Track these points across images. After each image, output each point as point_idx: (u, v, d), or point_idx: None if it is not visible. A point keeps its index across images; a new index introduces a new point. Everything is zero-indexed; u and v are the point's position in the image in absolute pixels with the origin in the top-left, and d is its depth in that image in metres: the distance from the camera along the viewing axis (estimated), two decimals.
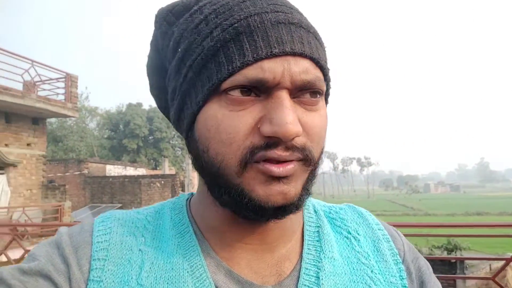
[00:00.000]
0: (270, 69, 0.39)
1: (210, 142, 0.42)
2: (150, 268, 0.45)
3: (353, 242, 0.53)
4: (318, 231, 0.53)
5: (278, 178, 0.40)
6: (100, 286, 0.43)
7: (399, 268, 0.52)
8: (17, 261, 5.00)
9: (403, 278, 0.51)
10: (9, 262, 5.32)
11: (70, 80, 12.25)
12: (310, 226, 0.53)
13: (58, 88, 12.62)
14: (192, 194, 0.55)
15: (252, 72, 0.39)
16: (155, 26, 0.49)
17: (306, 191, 0.44)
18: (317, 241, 0.52)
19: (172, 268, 0.45)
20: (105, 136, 36.50)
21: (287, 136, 0.38)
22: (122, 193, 17.48)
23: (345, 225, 0.55)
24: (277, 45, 0.39)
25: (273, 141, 0.39)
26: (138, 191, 17.09)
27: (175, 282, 0.44)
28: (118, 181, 18.00)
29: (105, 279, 0.43)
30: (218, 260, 0.47)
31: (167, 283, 0.44)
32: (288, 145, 0.40)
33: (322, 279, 0.47)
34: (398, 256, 0.53)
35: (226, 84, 0.40)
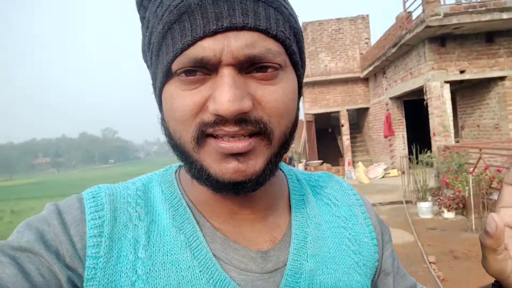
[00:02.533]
0: (210, 47, 0.38)
1: (169, 120, 0.43)
2: (148, 242, 0.45)
3: (333, 208, 0.57)
4: (303, 199, 0.56)
5: (234, 155, 0.40)
6: (100, 261, 0.42)
7: (370, 229, 0.57)
8: None
9: (373, 238, 0.57)
10: None
11: None
12: (295, 194, 0.56)
13: None
14: (179, 166, 0.55)
15: (193, 52, 0.38)
16: (137, 12, 0.48)
17: (272, 166, 0.43)
18: (303, 208, 0.54)
19: (169, 241, 0.45)
20: None
21: (228, 113, 0.38)
22: None
23: (325, 192, 0.59)
24: (216, 21, 0.38)
25: (220, 118, 0.39)
26: None
27: (174, 254, 0.45)
28: None
29: (104, 254, 0.43)
30: (213, 230, 0.47)
31: (166, 255, 0.44)
32: (237, 121, 0.39)
33: (310, 243, 0.51)
34: (369, 219, 0.58)
35: (174, 66, 0.40)
